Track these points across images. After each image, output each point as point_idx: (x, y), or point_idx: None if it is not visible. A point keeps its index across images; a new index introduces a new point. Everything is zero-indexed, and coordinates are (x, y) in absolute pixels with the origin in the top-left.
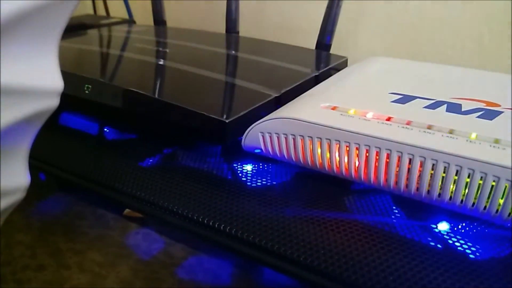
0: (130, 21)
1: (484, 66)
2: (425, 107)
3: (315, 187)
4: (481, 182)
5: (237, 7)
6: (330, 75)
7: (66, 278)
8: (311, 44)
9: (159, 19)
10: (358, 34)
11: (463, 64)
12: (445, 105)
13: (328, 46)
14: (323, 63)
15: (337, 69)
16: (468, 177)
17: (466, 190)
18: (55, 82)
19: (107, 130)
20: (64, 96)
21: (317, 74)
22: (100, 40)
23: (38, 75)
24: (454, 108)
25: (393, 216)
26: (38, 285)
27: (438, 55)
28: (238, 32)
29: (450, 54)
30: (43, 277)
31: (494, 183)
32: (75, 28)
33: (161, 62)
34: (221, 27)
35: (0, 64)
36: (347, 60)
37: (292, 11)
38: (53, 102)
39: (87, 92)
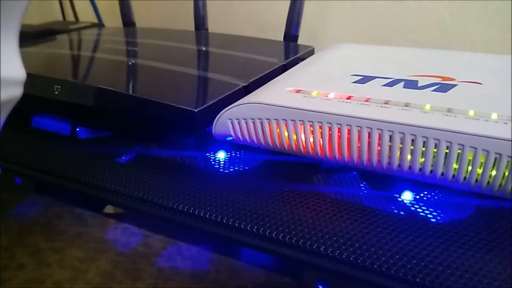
0: (99, 25)
1: (447, 47)
2: (383, 85)
3: (285, 168)
4: (435, 150)
5: (204, 4)
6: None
7: (47, 274)
8: (280, 38)
9: (128, 20)
10: (326, 24)
11: (428, 47)
12: (403, 82)
13: (295, 37)
14: (290, 53)
15: (304, 59)
16: (423, 145)
17: (423, 159)
18: (17, 71)
19: (81, 130)
20: (35, 98)
21: (284, 63)
22: (69, 43)
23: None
24: (410, 84)
25: (359, 190)
26: (19, 283)
27: (404, 40)
28: (207, 29)
29: (415, 38)
30: (23, 275)
31: (447, 150)
32: (44, 34)
33: (131, 60)
34: (190, 26)
35: None
36: (313, 49)
37: (260, 7)
38: (17, 92)
39: (56, 93)
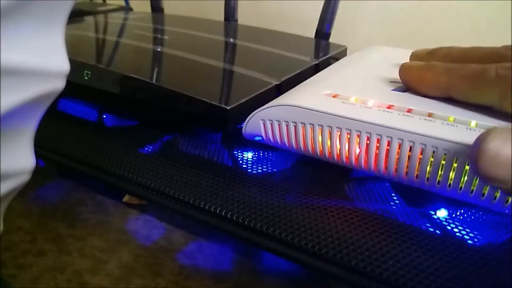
0: (127, 8)
1: None
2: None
3: (315, 174)
4: None
5: None
6: (330, 64)
7: (67, 263)
8: (309, 33)
9: (156, 6)
10: (357, 23)
11: None
12: None
13: (327, 35)
14: (323, 51)
15: (336, 58)
16: (467, 164)
17: (466, 177)
18: (61, 63)
19: (107, 117)
20: None
21: (316, 62)
22: (97, 26)
23: (45, 56)
24: None
25: (392, 203)
26: (39, 270)
27: (436, 44)
28: (236, 20)
29: (448, 43)
30: (44, 262)
31: None
32: (71, 15)
33: (161, 49)
34: (219, 15)
35: (7, 44)
36: (346, 49)
37: (291, 0)
38: (59, 84)
39: (86, 78)
